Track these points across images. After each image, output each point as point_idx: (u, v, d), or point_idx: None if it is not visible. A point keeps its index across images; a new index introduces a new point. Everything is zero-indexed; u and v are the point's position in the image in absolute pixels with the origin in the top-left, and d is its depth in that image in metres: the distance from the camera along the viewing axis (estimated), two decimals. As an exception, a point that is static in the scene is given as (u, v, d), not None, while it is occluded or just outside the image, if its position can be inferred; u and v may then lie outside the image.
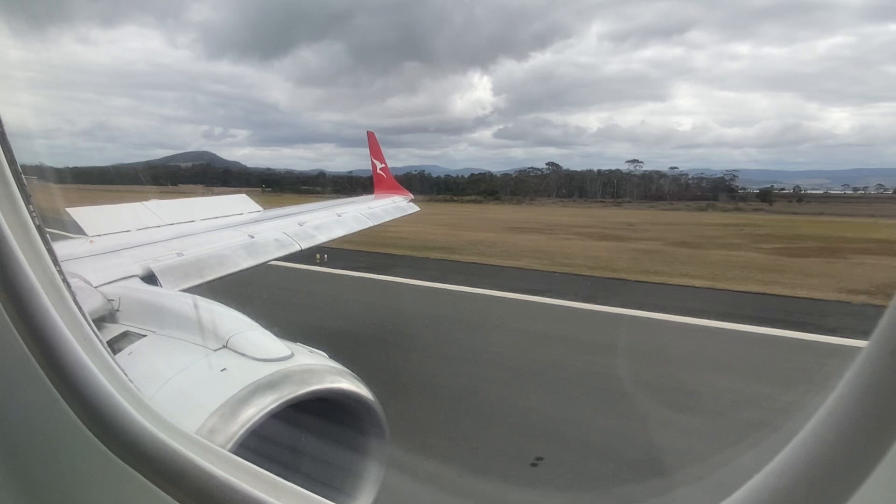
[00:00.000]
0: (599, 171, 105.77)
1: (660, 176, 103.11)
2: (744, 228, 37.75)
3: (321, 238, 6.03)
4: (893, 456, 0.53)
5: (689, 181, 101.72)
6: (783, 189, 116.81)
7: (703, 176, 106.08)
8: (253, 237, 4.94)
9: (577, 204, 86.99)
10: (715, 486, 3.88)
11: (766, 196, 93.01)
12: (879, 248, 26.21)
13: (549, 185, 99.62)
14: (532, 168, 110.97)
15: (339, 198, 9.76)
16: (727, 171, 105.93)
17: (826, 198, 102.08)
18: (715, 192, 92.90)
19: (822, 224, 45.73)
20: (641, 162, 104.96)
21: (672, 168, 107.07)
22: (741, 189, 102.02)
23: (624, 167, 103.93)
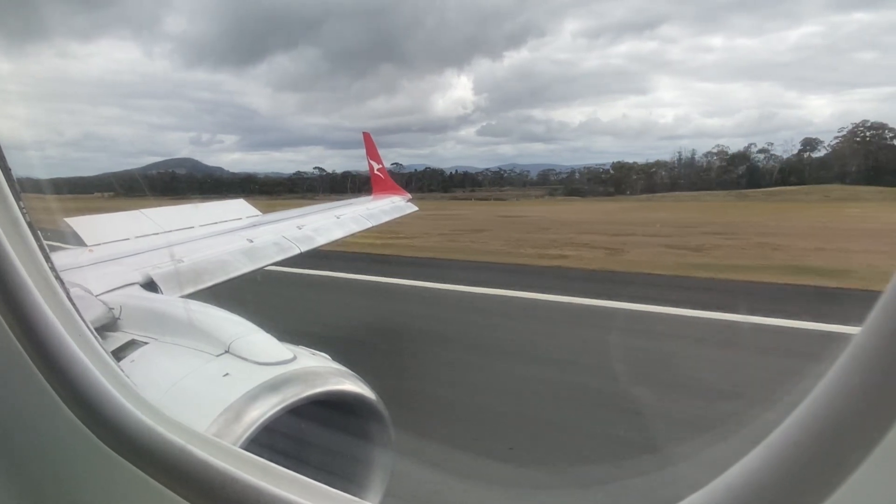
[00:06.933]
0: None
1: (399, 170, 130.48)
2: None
3: (321, 240, 6.02)
4: (879, 454, 0.48)
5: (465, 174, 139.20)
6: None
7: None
8: (252, 241, 4.93)
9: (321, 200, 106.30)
10: (686, 479, 3.83)
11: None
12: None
13: (313, 184, 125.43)
14: (298, 171, 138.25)
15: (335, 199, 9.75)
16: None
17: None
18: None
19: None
20: (402, 164, 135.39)
21: (426, 166, 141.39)
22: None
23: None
